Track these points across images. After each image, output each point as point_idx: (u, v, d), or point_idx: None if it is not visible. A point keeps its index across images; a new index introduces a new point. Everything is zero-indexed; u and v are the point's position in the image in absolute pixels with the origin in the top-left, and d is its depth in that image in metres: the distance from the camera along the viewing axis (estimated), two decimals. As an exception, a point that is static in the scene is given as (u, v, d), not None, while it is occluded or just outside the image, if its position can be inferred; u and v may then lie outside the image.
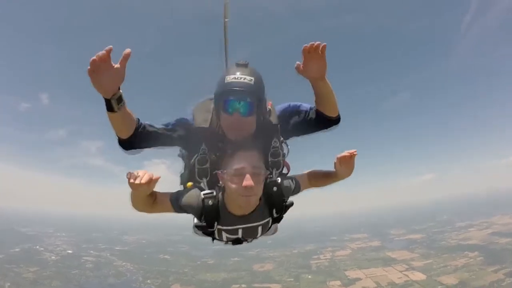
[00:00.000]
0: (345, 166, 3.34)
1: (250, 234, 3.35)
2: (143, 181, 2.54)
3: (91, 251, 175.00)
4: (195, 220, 3.20)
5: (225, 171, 2.82)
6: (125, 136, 3.03)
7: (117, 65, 2.56)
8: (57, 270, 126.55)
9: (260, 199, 3.03)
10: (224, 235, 3.26)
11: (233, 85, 2.93)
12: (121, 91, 2.72)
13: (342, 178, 3.58)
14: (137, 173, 2.61)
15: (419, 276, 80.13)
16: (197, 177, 3.21)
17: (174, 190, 3.42)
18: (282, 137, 3.48)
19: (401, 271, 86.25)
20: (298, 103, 3.58)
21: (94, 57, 2.39)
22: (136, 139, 3.10)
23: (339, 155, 3.27)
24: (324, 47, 2.79)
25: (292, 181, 3.39)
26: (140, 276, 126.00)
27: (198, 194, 3.04)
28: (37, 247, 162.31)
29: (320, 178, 3.73)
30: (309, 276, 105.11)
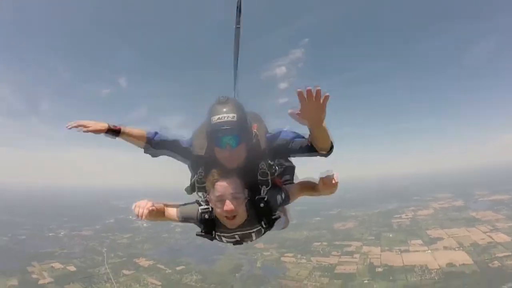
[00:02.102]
0: (328, 188, 3.81)
1: (246, 238, 4.10)
2: (144, 218, 3.58)
3: None
4: (199, 228, 4.11)
5: (211, 196, 3.56)
6: (141, 147, 4.09)
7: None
8: (148, 235, 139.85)
9: (248, 213, 3.75)
10: (224, 239, 4.05)
11: (220, 126, 3.43)
12: (109, 125, 3.90)
13: (324, 195, 4.05)
14: (139, 207, 3.61)
15: (503, 237, 79.91)
16: (197, 193, 4.05)
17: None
18: (272, 158, 3.96)
19: (484, 232, 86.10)
20: (291, 134, 3.94)
21: None
22: (149, 150, 4.15)
23: (323, 177, 3.76)
24: (326, 98, 2.92)
25: (281, 195, 3.98)
26: None
27: (197, 209, 3.92)
28: (130, 217, 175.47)
29: (309, 190, 4.21)
30: (390, 235, 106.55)
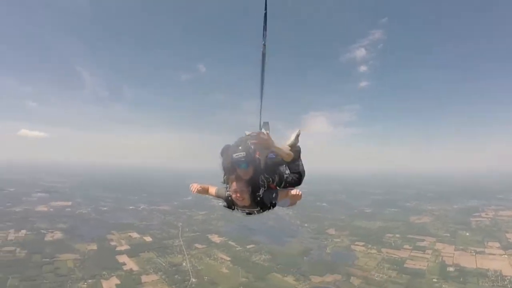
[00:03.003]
0: (294, 198, 6.57)
1: (251, 213, 6.60)
2: (194, 192, 7.04)
3: None
4: (224, 203, 6.82)
5: (229, 188, 6.41)
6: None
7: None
8: (223, 213, 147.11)
9: (250, 201, 6.28)
10: (239, 210, 6.60)
11: (236, 159, 5.89)
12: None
13: (293, 201, 6.72)
14: (192, 186, 7.04)
15: None
16: (225, 184, 6.65)
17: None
18: (266, 172, 6.34)
19: None
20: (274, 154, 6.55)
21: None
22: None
23: (292, 192, 6.53)
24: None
25: (272, 194, 6.41)
26: (298, 220, 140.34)
27: (225, 191, 6.64)
28: (207, 195, 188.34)
29: (288, 196, 6.61)
30: (467, 234, 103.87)
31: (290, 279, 74.07)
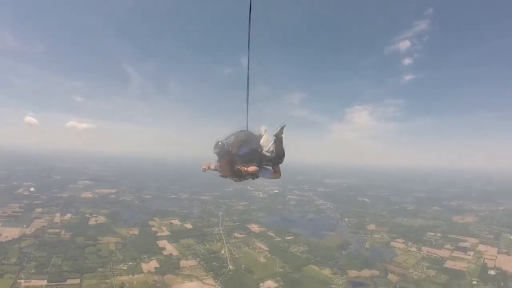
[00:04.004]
0: (274, 176, 10.09)
1: (237, 180, 9.43)
2: (202, 169, 10.47)
3: (296, 191, 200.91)
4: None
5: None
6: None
7: None
8: (263, 205, 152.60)
9: (231, 175, 9.32)
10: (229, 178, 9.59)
11: (215, 152, 9.08)
12: None
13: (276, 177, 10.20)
14: (202, 166, 10.48)
15: None
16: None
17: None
18: (243, 163, 9.08)
19: None
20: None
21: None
22: None
23: (275, 170, 10.09)
24: None
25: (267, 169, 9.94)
26: (338, 214, 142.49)
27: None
28: (248, 187, 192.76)
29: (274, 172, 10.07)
30: (511, 237, 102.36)
31: (327, 272, 75.58)
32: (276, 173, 10.06)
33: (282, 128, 9.51)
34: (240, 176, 9.33)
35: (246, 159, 9.34)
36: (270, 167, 10.08)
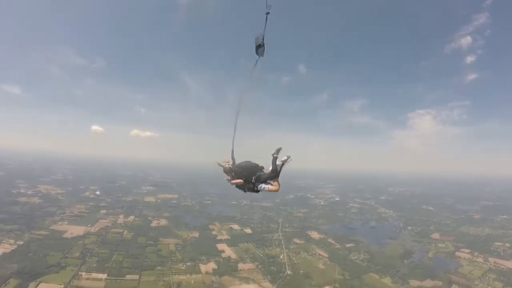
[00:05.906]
0: (271, 190, 12.37)
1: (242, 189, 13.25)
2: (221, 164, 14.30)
3: (357, 199, 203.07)
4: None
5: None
6: None
7: None
8: (324, 212, 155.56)
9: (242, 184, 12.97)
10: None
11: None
12: None
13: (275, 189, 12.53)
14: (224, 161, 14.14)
15: None
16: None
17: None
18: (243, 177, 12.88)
19: None
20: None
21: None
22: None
23: (273, 184, 12.43)
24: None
25: (265, 183, 12.55)
26: (401, 223, 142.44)
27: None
28: (309, 195, 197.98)
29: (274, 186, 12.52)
30: None
31: (387, 281, 77.09)
32: (274, 186, 12.24)
33: (278, 151, 12.32)
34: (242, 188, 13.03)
35: (238, 175, 12.81)
36: (271, 181, 12.51)
